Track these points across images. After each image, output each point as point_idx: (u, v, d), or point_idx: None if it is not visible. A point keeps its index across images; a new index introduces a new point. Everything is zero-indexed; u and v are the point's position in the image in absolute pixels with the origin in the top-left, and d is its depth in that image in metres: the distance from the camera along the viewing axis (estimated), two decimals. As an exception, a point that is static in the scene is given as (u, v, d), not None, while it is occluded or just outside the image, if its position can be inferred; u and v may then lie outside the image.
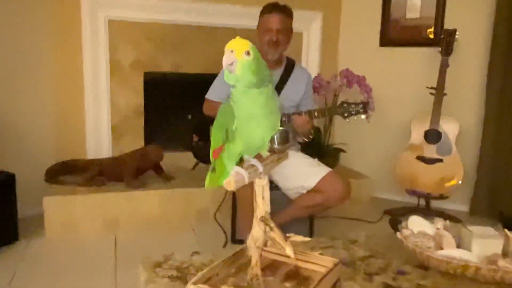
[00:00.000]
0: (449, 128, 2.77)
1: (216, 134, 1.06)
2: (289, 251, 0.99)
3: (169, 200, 2.61)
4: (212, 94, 2.31)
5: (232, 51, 0.92)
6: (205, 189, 2.61)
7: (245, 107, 0.97)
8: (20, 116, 2.61)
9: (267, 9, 2.19)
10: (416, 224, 1.35)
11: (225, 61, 0.93)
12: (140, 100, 2.96)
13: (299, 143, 2.43)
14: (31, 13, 2.59)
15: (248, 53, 0.92)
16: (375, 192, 3.21)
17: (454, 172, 2.75)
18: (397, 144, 3.03)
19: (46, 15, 2.66)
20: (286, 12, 2.18)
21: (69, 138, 2.83)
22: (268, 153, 1.08)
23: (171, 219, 2.61)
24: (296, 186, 2.12)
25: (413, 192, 2.87)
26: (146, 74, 2.95)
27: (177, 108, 3.06)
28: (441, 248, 1.24)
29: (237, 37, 0.94)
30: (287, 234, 1.10)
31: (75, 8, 2.70)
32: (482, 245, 1.23)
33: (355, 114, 2.16)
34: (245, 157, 1.04)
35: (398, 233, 1.31)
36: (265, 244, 1.08)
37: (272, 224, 1.01)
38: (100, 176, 2.61)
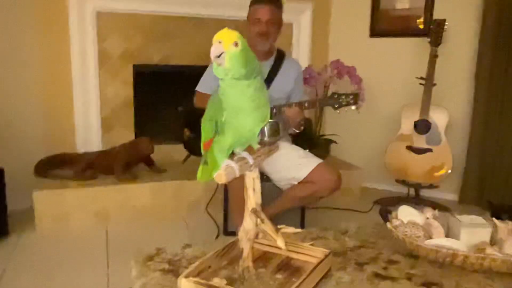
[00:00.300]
0: (438, 118, 2.79)
1: (206, 127, 1.05)
2: (280, 242, 0.99)
3: (161, 192, 2.60)
4: (202, 86, 2.30)
5: (220, 42, 0.91)
6: (196, 181, 2.61)
7: (234, 99, 0.97)
8: (8, 110, 2.58)
9: (257, 0, 2.16)
10: (405, 214, 1.37)
11: (213, 52, 0.92)
12: (130, 92, 2.94)
13: (290, 134, 2.43)
14: (17, 4, 2.55)
15: (236, 44, 0.91)
16: (366, 182, 3.24)
17: (444, 162, 2.78)
18: (387, 134, 3.05)
19: (33, 6, 2.62)
20: (276, 3, 2.16)
21: (58, 131, 2.81)
22: (258, 146, 1.08)
23: (163, 211, 2.61)
24: (288, 177, 2.12)
25: (403, 182, 2.89)
26: (135, 66, 2.92)
27: (167, 100, 3.04)
28: (430, 237, 1.26)
29: (225, 28, 0.93)
30: (278, 226, 1.10)
31: (63, 0, 2.66)
32: (471, 233, 1.25)
33: (345, 105, 2.17)
34: (236, 150, 1.04)
35: (387, 223, 1.33)
36: (257, 236, 1.08)
37: (263, 216, 1.01)
38: (90, 169, 2.60)
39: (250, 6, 2.20)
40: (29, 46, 2.64)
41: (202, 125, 1.07)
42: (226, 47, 0.91)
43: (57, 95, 2.78)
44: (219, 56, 0.91)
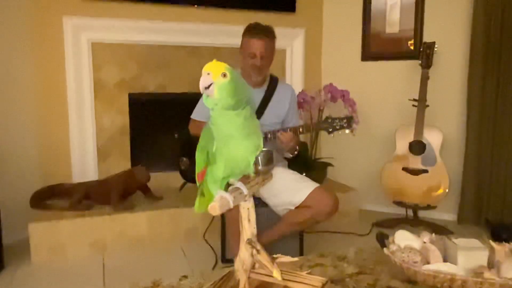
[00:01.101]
0: (433, 138, 2.81)
1: (198, 158, 1.06)
2: (276, 273, 0.99)
3: (157, 220, 2.59)
4: (196, 114, 2.32)
5: (208, 73, 0.93)
6: (194, 208, 2.59)
7: (223, 128, 0.98)
8: (4, 140, 2.58)
9: (250, 33, 2.16)
10: (402, 238, 1.36)
11: (202, 83, 0.94)
12: (126, 121, 2.96)
13: (286, 158, 2.44)
14: (14, 35, 2.58)
15: (224, 75, 0.93)
16: (363, 204, 3.23)
17: (440, 182, 2.78)
18: (383, 156, 3.06)
19: (28, 37, 2.66)
20: (269, 36, 2.16)
21: (54, 161, 2.81)
22: (253, 174, 1.09)
23: (160, 240, 2.59)
24: (284, 202, 2.12)
25: (400, 203, 2.89)
26: (131, 95, 2.95)
27: (163, 128, 3.06)
28: (428, 262, 1.25)
29: (214, 60, 0.96)
30: (275, 255, 1.10)
31: (58, 30, 2.71)
32: (468, 257, 1.24)
33: (339, 129, 2.19)
34: (230, 180, 1.05)
35: (385, 249, 1.32)
36: (253, 266, 1.08)
37: (259, 247, 1.01)
38: (86, 199, 2.59)
39: (243, 36, 2.20)
40: (25, 76, 2.67)
41: (196, 156, 1.08)
42: (214, 78, 0.93)
43: (53, 125, 2.79)
44: (208, 87, 0.93)
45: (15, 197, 2.53)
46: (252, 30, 2.16)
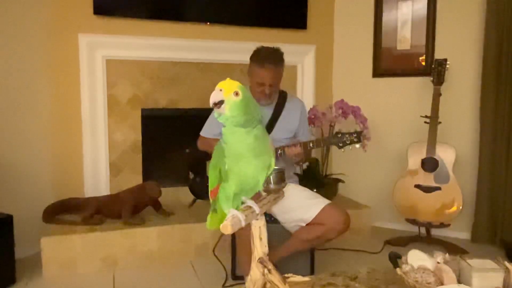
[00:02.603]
0: (445, 155, 2.78)
1: (211, 175, 1.07)
2: (287, 293, 0.98)
3: (168, 236, 2.59)
4: (205, 131, 2.36)
5: (221, 90, 0.95)
6: (204, 224, 2.59)
7: (234, 146, 1.00)
8: (18, 156, 2.62)
9: (259, 62, 2.12)
10: (415, 258, 1.34)
11: (212, 98, 0.96)
12: (138, 136, 2.99)
13: (297, 174, 2.44)
14: (30, 52, 2.64)
15: (237, 94, 0.95)
16: (376, 221, 3.20)
17: (453, 200, 2.74)
18: (395, 172, 3.04)
19: (45, 54, 2.71)
20: (278, 63, 2.14)
21: (67, 176, 2.84)
22: (265, 193, 1.09)
23: (170, 255, 2.59)
24: (295, 219, 2.11)
25: (413, 221, 2.85)
26: (143, 110, 2.98)
27: (175, 144, 3.08)
28: (442, 283, 1.23)
29: (227, 78, 0.97)
30: (286, 275, 1.09)
31: (73, 47, 2.77)
32: (482, 278, 1.22)
33: (349, 144, 2.19)
34: (243, 198, 1.05)
35: (398, 269, 1.30)
36: (264, 286, 1.07)
37: (270, 266, 1.00)
38: (98, 214, 2.60)
39: (251, 60, 2.18)
40: (40, 92, 2.72)
41: (209, 173, 1.08)
42: (226, 95, 0.94)
43: (66, 140, 2.83)
44: (217, 104, 0.95)
45: (28, 212, 2.55)
46: (261, 59, 2.13)
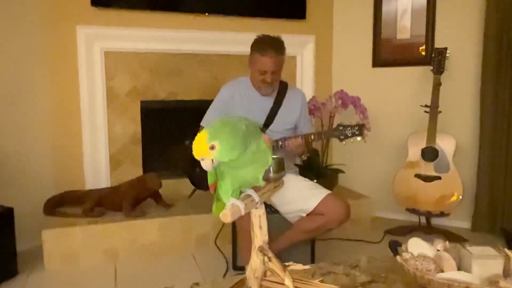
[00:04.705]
0: (445, 145, 2.78)
1: (209, 173, 1.07)
2: (288, 281, 0.98)
3: (169, 227, 2.59)
4: (206, 122, 2.33)
5: (202, 159, 0.92)
6: (205, 215, 2.60)
7: (231, 164, 0.98)
8: (18, 149, 2.62)
9: (259, 49, 2.12)
10: (415, 246, 1.34)
11: (206, 167, 0.93)
12: (138, 129, 2.98)
13: (297, 165, 2.44)
14: (28, 44, 2.63)
15: (213, 147, 0.91)
16: (376, 211, 3.20)
17: (453, 189, 2.75)
18: (395, 162, 3.04)
19: (43, 46, 2.70)
20: (279, 51, 2.12)
21: (67, 169, 2.84)
22: (264, 182, 1.09)
23: (171, 246, 2.60)
24: (295, 209, 2.11)
25: (413, 211, 2.86)
26: (142, 102, 2.97)
27: (174, 135, 3.06)
28: (442, 271, 1.23)
29: (193, 143, 0.93)
30: (286, 263, 1.09)
31: (72, 40, 2.75)
32: (483, 266, 1.22)
33: (351, 137, 2.18)
34: (242, 188, 1.05)
35: (398, 257, 1.31)
36: (265, 274, 1.07)
37: (271, 255, 1.00)
38: (98, 206, 2.61)
39: (252, 50, 2.17)
40: (39, 84, 2.71)
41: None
42: (208, 156, 0.91)
43: (66, 133, 2.83)
44: (211, 165, 0.92)
45: (28, 204, 2.56)
46: (262, 46, 2.12)
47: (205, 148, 0.91)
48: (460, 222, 3.04)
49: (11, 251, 2.27)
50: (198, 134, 0.92)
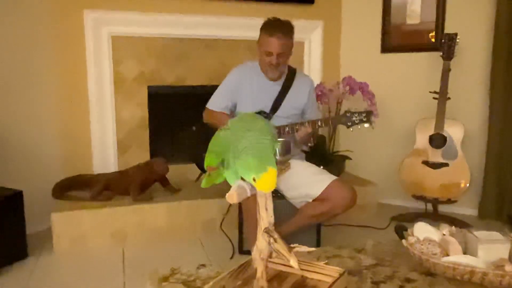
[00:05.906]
0: (454, 132, 2.76)
1: (208, 157, 1.06)
2: (293, 262, 0.99)
3: (176, 212, 2.62)
4: (212, 104, 2.32)
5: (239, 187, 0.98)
6: (211, 200, 2.62)
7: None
8: (26, 133, 2.64)
9: (268, 30, 2.11)
10: (421, 230, 1.35)
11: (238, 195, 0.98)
12: (145, 114, 2.99)
13: (304, 151, 2.44)
14: (36, 30, 2.63)
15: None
16: (382, 198, 3.20)
17: (461, 176, 2.73)
18: (402, 149, 3.02)
19: (50, 31, 2.70)
20: (287, 34, 2.11)
21: (75, 153, 2.87)
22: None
23: (178, 231, 2.62)
24: (302, 195, 2.12)
25: (420, 198, 2.85)
26: (150, 88, 2.98)
27: (181, 120, 3.08)
28: (448, 255, 1.24)
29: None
30: (292, 245, 1.10)
31: (79, 24, 2.75)
32: (488, 250, 1.22)
33: (358, 123, 2.17)
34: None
35: (403, 241, 1.31)
36: (270, 256, 1.08)
37: (276, 236, 1.01)
38: (106, 190, 2.63)
39: (261, 32, 2.16)
40: (46, 69, 2.72)
41: (207, 153, 1.07)
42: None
43: (74, 118, 2.84)
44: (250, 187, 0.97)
45: (38, 188, 2.59)
46: (270, 27, 2.11)
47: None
48: (467, 210, 3.04)
49: (21, 234, 2.30)
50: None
